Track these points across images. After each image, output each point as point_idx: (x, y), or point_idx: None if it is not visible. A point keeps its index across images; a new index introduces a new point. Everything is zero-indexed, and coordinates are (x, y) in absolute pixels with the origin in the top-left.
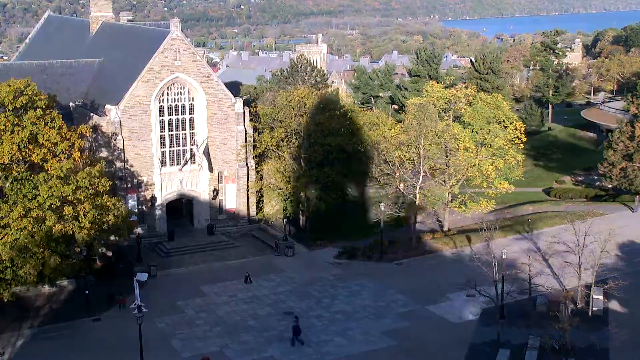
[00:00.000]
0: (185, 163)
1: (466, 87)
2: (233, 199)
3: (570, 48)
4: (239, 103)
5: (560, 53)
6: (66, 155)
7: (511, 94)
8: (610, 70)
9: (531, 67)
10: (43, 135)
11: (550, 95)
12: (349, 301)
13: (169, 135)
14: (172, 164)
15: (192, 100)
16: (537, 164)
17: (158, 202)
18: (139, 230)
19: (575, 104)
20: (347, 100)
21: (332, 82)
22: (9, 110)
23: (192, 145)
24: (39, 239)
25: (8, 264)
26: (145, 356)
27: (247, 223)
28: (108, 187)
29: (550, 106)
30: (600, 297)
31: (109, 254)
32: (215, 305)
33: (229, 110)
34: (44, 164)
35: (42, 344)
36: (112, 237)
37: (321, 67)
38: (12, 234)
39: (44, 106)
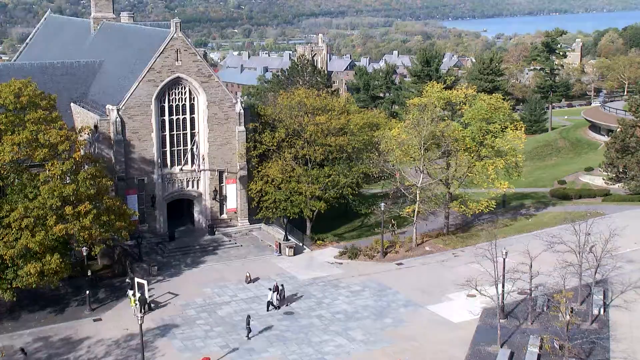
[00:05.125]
0: (186, 163)
1: (467, 87)
2: (233, 199)
3: (571, 48)
4: (239, 103)
5: (561, 53)
6: (67, 156)
7: (512, 94)
8: (610, 69)
9: (532, 67)
10: (44, 135)
11: (551, 95)
12: (349, 301)
13: (170, 135)
14: (172, 164)
15: (193, 101)
16: (537, 164)
17: (159, 202)
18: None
19: (576, 103)
20: (347, 100)
21: (333, 82)
22: (9, 110)
23: (193, 145)
24: (39, 239)
25: (9, 264)
26: (145, 356)
27: (248, 223)
28: (109, 187)
29: (550, 106)
30: (601, 297)
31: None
32: (216, 305)
33: (229, 111)
34: (45, 164)
35: (42, 344)
36: (113, 237)
37: (322, 68)
38: (13, 233)
39: (45, 106)
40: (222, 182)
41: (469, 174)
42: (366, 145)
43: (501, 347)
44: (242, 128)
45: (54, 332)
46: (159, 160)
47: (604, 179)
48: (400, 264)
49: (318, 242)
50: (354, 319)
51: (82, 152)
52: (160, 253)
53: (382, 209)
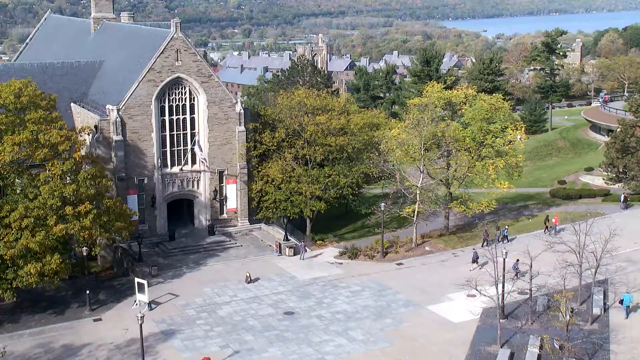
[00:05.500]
0: (186, 163)
1: (467, 88)
2: (234, 199)
3: (571, 48)
4: (239, 103)
5: (561, 53)
6: (67, 156)
7: (512, 94)
8: (610, 69)
9: (532, 67)
10: (44, 135)
11: (551, 95)
12: (349, 301)
13: (170, 135)
14: (172, 164)
15: (193, 101)
16: (537, 164)
17: (159, 202)
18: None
19: (576, 103)
20: (347, 100)
21: (333, 82)
22: (9, 110)
23: (193, 145)
24: (40, 239)
25: (9, 264)
26: (146, 356)
27: (248, 223)
28: (109, 187)
29: (550, 106)
30: (601, 297)
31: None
32: (216, 305)
33: (229, 111)
34: (45, 164)
35: (42, 344)
36: (113, 237)
37: (322, 68)
38: (13, 233)
39: (45, 106)
40: (222, 182)
41: (469, 174)
42: (366, 145)
43: (501, 347)
44: (242, 128)
45: (54, 332)
46: (159, 161)
47: (604, 179)
48: (401, 264)
49: (318, 242)
50: (354, 319)
51: (82, 152)
52: (161, 253)
53: (382, 209)
